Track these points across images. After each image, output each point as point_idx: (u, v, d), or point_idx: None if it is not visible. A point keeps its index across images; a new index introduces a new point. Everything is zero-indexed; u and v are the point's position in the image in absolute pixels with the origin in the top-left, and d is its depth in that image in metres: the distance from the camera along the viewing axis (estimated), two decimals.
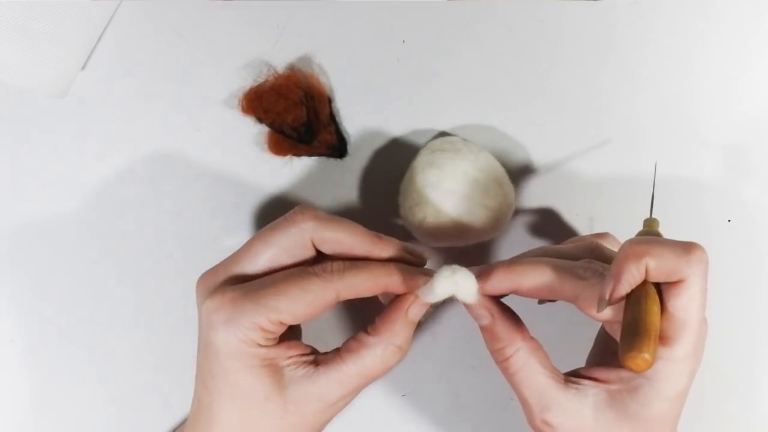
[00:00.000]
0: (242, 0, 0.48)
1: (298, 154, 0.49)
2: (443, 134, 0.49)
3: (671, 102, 0.50)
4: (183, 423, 0.49)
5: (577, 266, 0.39)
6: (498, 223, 0.46)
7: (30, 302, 0.50)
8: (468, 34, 0.49)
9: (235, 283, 0.39)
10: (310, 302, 0.38)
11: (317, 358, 0.40)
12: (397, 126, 0.49)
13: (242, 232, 0.49)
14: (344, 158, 0.49)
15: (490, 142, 0.48)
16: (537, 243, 0.50)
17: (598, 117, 0.50)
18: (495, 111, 0.49)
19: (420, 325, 0.42)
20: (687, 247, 0.37)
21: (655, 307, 0.36)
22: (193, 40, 0.48)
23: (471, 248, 0.48)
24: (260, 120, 0.48)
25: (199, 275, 0.41)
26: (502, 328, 0.40)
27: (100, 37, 0.48)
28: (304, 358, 0.39)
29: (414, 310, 0.40)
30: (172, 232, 0.49)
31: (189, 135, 0.49)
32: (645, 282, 0.37)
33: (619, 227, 0.45)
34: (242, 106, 0.48)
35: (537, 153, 0.49)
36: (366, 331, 0.40)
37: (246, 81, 0.48)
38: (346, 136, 0.49)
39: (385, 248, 0.40)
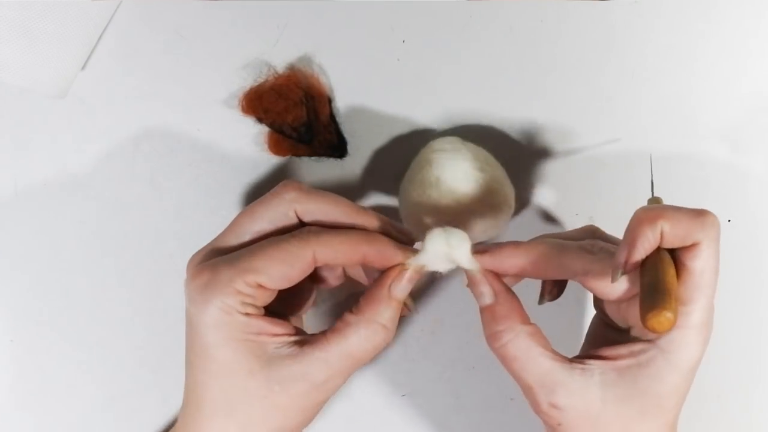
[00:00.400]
0: (242, 0, 0.48)
1: (298, 154, 0.49)
2: (443, 134, 0.49)
3: (671, 102, 0.50)
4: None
5: (584, 243, 0.39)
6: (498, 223, 0.46)
7: (30, 302, 0.50)
8: (468, 34, 0.49)
9: (218, 256, 0.39)
10: (285, 260, 0.37)
11: (303, 339, 0.39)
12: (397, 126, 0.49)
13: None
14: (344, 158, 0.49)
15: (490, 142, 0.48)
16: None
17: (598, 117, 0.50)
18: (495, 111, 0.49)
19: (406, 316, 0.42)
20: (699, 212, 0.37)
21: (672, 270, 0.36)
22: (193, 40, 0.48)
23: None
24: (260, 120, 0.48)
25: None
26: (503, 308, 0.39)
27: (100, 37, 0.48)
28: (291, 338, 0.39)
29: (397, 287, 0.39)
30: (172, 232, 0.49)
31: (189, 135, 0.49)
32: (659, 248, 0.36)
33: (620, 227, 0.45)
34: (242, 106, 0.48)
35: (537, 153, 0.49)
36: (350, 311, 0.39)
37: (246, 81, 0.48)
38: (346, 136, 0.49)
39: (371, 221, 0.40)
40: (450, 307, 0.50)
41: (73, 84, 0.48)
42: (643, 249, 0.36)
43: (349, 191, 0.49)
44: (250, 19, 0.48)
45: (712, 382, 0.50)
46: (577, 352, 0.42)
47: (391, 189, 0.48)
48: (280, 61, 0.48)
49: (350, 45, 0.49)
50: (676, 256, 0.37)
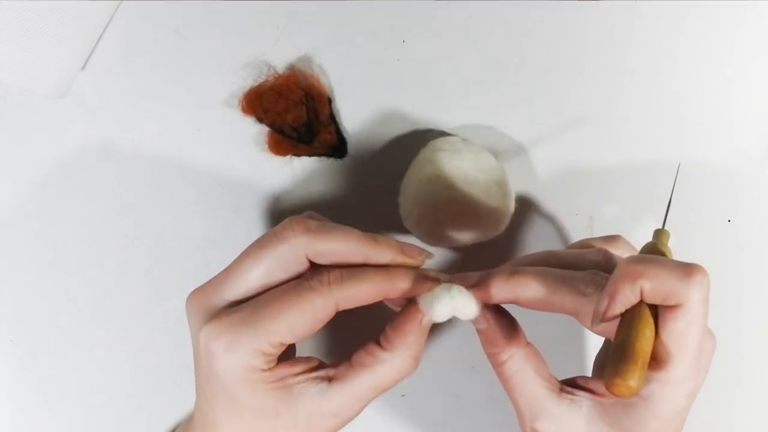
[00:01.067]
0: (242, 0, 0.48)
1: (298, 154, 0.49)
2: (443, 134, 0.49)
3: (671, 102, 0.50)
4: (179, 425, 0.49)
5: (578, 279, 0.37)
6: (497, 223, 0.46)
7: (30, 302, 0.49)
8: (468, 34, 0.49)
9: (229, 306, 0.38)
10: (309, 318, 0.37)
11: (328, 373, 0.39)
12: (397, 126, 0.49)
13: (242, 233, 0.49)
14: (344, 158, 0.49)
15: (490, 142, 0.48)
16: (537, 243, 0.50)
17: (598, 117, 0.50)
18: (495, 111, 0.49)
19: None
20: (687, 271, 0.35)
21: (648, 331, 0.35)
22: (193, 40, 0.48)
23: (470, 248, 0.48)
24: (260, 120, 0.48)
25: (188, 294, 0.40)
26: (498, 332, 0.39)
27: (100, 37, 0.48)
28: (314, 374, 0.39)
29: (427, 319, 0.39)
30: (172, 232, 0.49)
31: (189, 135, 0.49)
32: (641, 302, 0.35)
33: (619, 228, 0.45)
34: (242, 106, 0.48)
35: (537, 153, 0.49)
36: (378, 343, 0.39)
37: (246, 81, 0.48)
38: (346, 136, 0.49)
39: (384, 252, 0.39)
40: None
41: (73, 84, 0.48)
42: (621, 304, 0.35)
43: (349, 191, 0.49)
44: (250, 19, 0.48)
45: (713, 383, 0.50)
46: (580, 367, 0.42)
47: (391, 189, 0.48)
48: (280, 61, 0.48)
49: (350, 45, 0.49)
50: (659, 311, 0.36)
